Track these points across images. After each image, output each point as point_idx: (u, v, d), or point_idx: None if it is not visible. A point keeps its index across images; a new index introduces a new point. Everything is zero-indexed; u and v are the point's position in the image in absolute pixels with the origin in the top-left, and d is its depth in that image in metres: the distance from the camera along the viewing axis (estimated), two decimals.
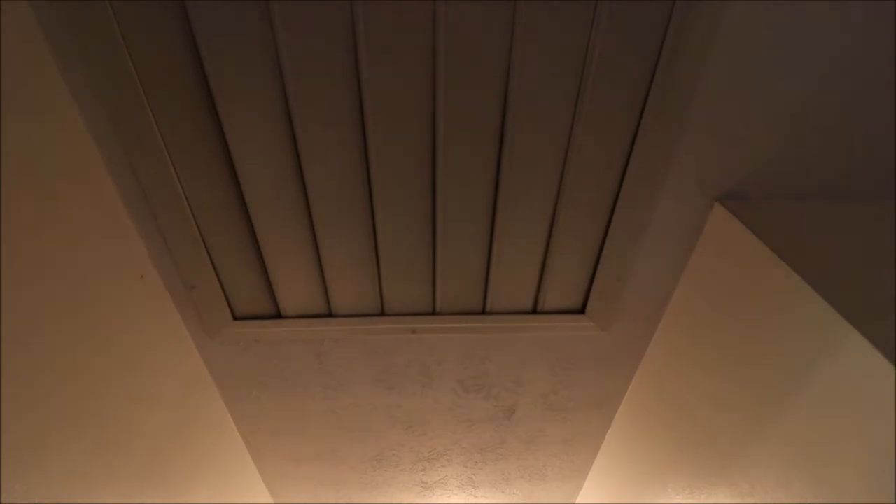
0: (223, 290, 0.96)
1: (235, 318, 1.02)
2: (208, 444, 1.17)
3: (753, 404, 0.78)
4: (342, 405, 1.26)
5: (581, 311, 1.05)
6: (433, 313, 1.02)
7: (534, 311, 1.05)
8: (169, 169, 0.77)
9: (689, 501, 0.98)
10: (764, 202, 0.84)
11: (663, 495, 1.10)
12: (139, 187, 0.79)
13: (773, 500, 0.74)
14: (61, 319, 0.68)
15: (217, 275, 0.93)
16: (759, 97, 0.73)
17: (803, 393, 0.67)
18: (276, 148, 0.77)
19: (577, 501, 1.81)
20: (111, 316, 0.78)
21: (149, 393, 0.90)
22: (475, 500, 1.79)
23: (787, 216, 0.81)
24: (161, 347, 0.94)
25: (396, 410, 1.29)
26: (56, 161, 0.66)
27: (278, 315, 1.02)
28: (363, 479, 1.61)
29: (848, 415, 0.60)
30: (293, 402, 1.24)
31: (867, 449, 0.58)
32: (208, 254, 0.90)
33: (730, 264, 0.83)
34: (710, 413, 0.91)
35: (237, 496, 1.37)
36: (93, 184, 0.74)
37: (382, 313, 1.02)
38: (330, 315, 1.02)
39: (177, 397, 1.00)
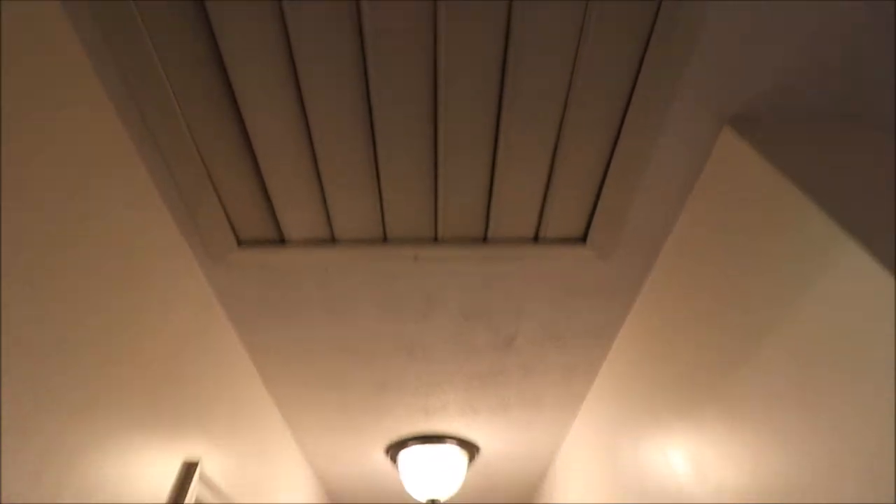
0: (227, 214, 0.96)
1: (240, 244, 1.03)
2: (220, 369, 1.22)
3: (749, 326, 0.80)
4: (347, 331, 1.30)
5: (582, 239, 1.06)
6: (435, 240, 1.03)
7: (535, 239, 1.05)
8: (166, 89, 0.75)
9: (678, 422, 1.03)
10: (776, 125, 0.82)
11: (652, 417, 1.15)
12: (138, 110, 0.77)
13: (763, 420, 0.77)
14: (64, 248, 0.68)
15: (220, 199, 0.93)
16: (772, 17, 0.70)
17: (801, 311, 0.68)
18: (274, 74, 0.74)
19: (573, 427, 1.90)
20: (116, 242, 0.79)
21: (157, 319, 0.92)
22: (476, 426, 1.89)
23: (799, 138, 0.79)
24: (168, 273, 0.95)
25: (399, 337, 1.33)
26: (57, 91, 0.65)
27: (282, 240, 1.03)
28: (368, 403, 1.69)
29: (846, 333, 0.61)
30: (299, 327, 1.27)
31: (863, 366, 0.59)
32: (210, 177, 0.89)
33: (735, 188, 0.82)
34: (705, 337, 0.93)
35: (250, 419, 1.45)
36: (92, 107, 0.72)
37: (385, 239, 1.03)
38: (333, 240, 1.03)
39: (186, 323, 1.03)
